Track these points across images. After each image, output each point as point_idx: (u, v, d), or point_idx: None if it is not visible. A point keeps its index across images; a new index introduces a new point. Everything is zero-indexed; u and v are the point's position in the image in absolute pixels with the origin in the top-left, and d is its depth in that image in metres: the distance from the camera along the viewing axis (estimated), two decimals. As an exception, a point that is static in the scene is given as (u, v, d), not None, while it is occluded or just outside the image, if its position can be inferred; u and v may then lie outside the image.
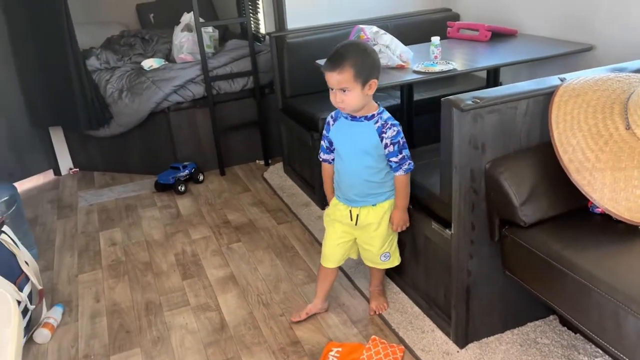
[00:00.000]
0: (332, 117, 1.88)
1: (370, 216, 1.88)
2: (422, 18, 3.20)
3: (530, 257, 1.52)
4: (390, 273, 2.22)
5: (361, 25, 2.32)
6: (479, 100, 1.54)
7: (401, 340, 1.91)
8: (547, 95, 1.59)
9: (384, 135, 1.75)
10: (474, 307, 1.80)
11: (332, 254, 1.98)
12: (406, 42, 2.36)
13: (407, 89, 2.45)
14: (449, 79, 2.80)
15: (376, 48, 2.25)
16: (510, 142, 1.62)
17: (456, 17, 3.20)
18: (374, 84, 1.71)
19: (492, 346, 1.83)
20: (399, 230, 1.92)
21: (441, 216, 1.78)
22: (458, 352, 1.82)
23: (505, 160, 1.59)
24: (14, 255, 2.06)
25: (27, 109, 3.28)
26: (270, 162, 3.51)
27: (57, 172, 3.56)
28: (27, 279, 2.06)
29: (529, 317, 1.90)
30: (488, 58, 2.47)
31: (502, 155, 1.61)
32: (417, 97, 2.62)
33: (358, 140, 1.79)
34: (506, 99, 1.57)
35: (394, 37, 2.30)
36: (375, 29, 2.30)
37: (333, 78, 1.68)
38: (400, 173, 1.80)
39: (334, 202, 1.96)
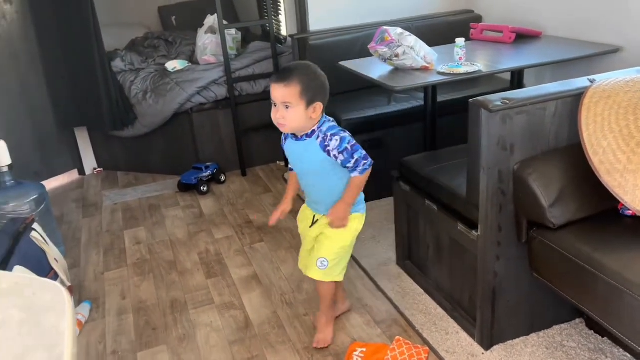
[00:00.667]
0: (284, 133, 1.78)
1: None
2: (445, 20, 3.20)
3: (559, 259, 1.51)
4: (413, 274, 2.22)
5: (385, 27, 2.32)
6: (508, 102, 1.54)
7: (425, 342, 1.91)
8: (577, 97, 1.58)
9: (328, 148, 1.66)
10: (499, 309, 1.79)
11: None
12: (428, 43, 2.36)
13: (431, 90, 2.45)
14: (472, 81, 2.79)
15: (400, 50, 2.26)
16: (538, 144, 1.61)
17: (479, 19, 3.20)
18: (318, 107, 1.64)
19: (517, 348, 1.82)
20: (333, 226, 1.76)
21: (467, 217, 1.78)
22: (483, 354, 1.82)
23: (534, 161, 1.59)
24: (44, 252, 2.10)
25: (54, 109, 3.34)
26: (290, 163, 3.53)
27: (81, 171, 3.62)
28: (57, 275, 2.11)
29: (555, 319, 1.89)
30: (512, 60, 2.46)
31: (531, 157, 1.60)
32: (440, 98, 2.62)
33: (305, 160, 1.73)
34: (535, 100, 1.57)
35: (418, 39, 2.30)
36: (399, 30, 2.30)
37: (278, 91, 1.60)
38: (356, 174, 1.71)
39: (303, 207, 1.92)
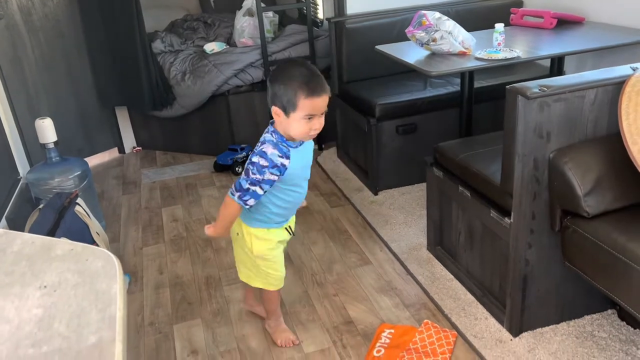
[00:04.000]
0: (285, 157, 1.58)
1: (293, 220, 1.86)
2: (484, 4, 3.15)
3: (592, 248, 1.50)
4: (444, 260, 2.23)
5: (423, 11, 2.31)
6: (545, 89, 1.52)
7: (454, 326, 1.93)
8: (618, 85, 1.56)
9: None
10: (530, 297, 1.79)
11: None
12: (467, 28, 2.34)
13: (467, 76, 2.43)
14: (510, 67, 2.76)
15: (438, 34, 2.24)
16: (576, 132, 1.60)
17: (519, 4, 3.13)
18: None
19: (546, 336, 1.83)
20: None
21: (500, 204, 1.78)
22: (511, 340, 1.83)
23: (571, 149, 1.57)
24: (86, 226, 2.19)
25: (96, 89, 3.45)
26: (323, 146, 3.56)
27: (121, 150, 3.73)
28: (98, 248, 2.20)
29: (586, 309, 1.88)
30: (553, 46, 2.42)
31: (567, 145, 1.59)
32: (477, 84, 2.59)
33: (310, 157, 1.71)
34: (574, 88, 1.55)
35: (456, 24, 2.28)
36: (437, 14, 2.28)
37: (324, 101, 1.53)
38: None
39: (274, 232, 1.77)
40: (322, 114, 1.56)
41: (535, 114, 1.54)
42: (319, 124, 1.56)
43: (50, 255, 0.77)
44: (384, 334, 1.90)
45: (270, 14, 3.56)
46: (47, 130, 2.50)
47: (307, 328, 1.98)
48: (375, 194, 2.87)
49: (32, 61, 3.16)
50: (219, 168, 3.29)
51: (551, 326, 1.86)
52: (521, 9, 2.84)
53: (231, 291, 2.21)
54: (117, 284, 0.69)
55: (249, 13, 3.47)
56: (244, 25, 3.46)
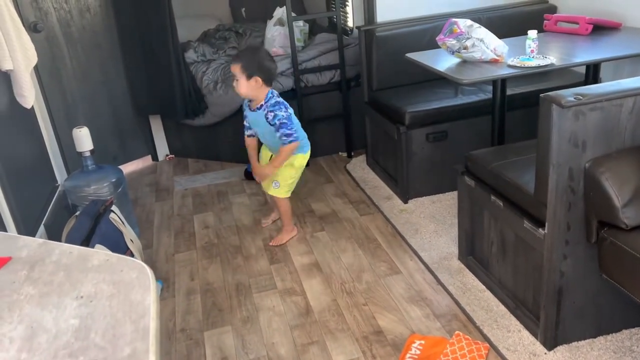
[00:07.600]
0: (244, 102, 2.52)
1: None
2: (517, 10, 3.10)
3: (631, 261, 1.46)
4: (476, 270, 2.20)
5: (454, 19, 2.29)
6: (581, 97, 1.49)
7: (486, 338, 1.89)
8: (657, 93, 1.51)
9: (268, 119, 2.35)
10: (565, 309, 1.75)
11: None
12: (499, 35, 2.31)
13: (500, 83, 2.39)
14: (544, 74, 2.71)
15: (469, 42, 2.22)
16: (613, 141, 1.56)
17: (553, 10, 3.08)
18: (257, 80, 2.29)
19: (582, 350, 1.78)
20: (259, 180, 2.60)
21: (534, 215, 1.74)
22: (546, 354, 1.79)
23: (607, 159, 1.53)
24: (121, 232, 2.24)
25: (132, 98, 3.53)
26: (352, 154, 3.55)
27: (154, 157, 3.80)
28: (132, 255, 2.25)
29: (624, 323, 1.82)
30: (588, 52, 2.36)
31: (604, 154, 1.55)
32: (509, 91, 2.55)
33: (260, 125, 2.42)
34: (611, 96, 1.51)
35: (488, 31, 2.25)
36: (469, 22, 2.26)
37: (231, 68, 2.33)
38: (283, 145, 2.39)
39: (262, 147, 2.64)
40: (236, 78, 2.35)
41: (570, 123, 1.51)
42: (235, 83, 2.37)
43: (87, 266, 0.79)
44: (414, 345, 1.88)
45: (301, 23, 3.58)
46: (83, 139, 2.57)
47: (336, 337, 1.97)
48: (405, 202, 2.85)
49: (70, 71, 3.25)
50: (249, 176, 3.31)
51: (587, 340, 1.81)
52: (555, 14, 2.79)
53: (261, 299, 2.23)
54: (150, 295, 0.70)
55: (280, 22, 3.51)
56: (275, 35, 3.49)
